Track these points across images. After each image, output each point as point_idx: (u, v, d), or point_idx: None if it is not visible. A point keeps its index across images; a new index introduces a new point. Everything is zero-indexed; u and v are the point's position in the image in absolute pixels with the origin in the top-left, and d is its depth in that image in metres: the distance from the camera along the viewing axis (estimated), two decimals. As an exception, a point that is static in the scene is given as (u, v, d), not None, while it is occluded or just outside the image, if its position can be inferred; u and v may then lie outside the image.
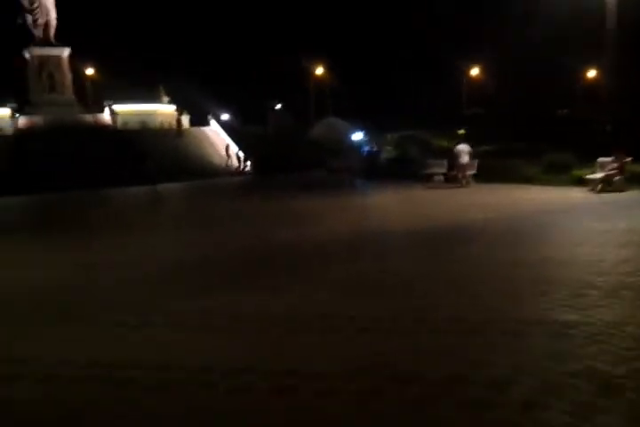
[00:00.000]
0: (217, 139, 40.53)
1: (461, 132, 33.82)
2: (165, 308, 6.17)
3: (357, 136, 33.90)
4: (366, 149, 32.14)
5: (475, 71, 56.79)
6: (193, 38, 61.79)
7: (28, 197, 27.22)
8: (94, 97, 45.38)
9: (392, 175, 23.97)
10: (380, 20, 71.86)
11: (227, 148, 37.45)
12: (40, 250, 10.72)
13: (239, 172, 36.22)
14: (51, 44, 44.35)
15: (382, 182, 22.24)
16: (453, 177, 20.27)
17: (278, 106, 48.15)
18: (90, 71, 51.20)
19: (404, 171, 23.81)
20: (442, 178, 21.23)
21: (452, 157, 20.42)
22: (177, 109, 45.36)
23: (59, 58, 44.67)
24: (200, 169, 34.24)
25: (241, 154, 36.95)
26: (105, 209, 19.67)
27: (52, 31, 44.49)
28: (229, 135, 40.23)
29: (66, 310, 6.28)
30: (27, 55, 45.07)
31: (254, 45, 73.07)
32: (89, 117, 40.45)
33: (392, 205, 15.13)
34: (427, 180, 21.16)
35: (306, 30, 63.42)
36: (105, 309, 6.28)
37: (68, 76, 45.60)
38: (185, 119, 45.95)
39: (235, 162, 37.09)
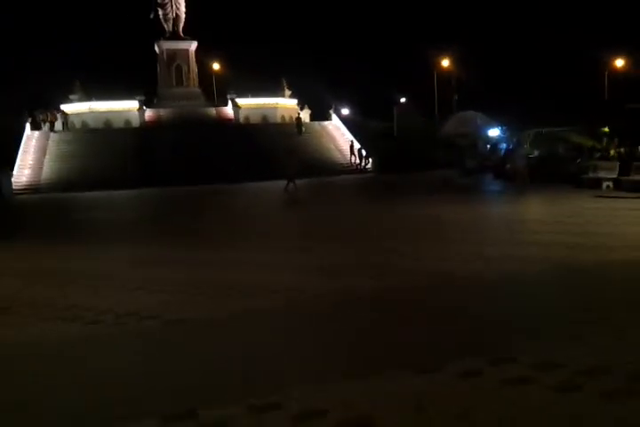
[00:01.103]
0: (338, 134, 38.74)
1: (605, 129, 29.53)
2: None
3: (494, 132, 30.54)
4: (504, 146, 28.73)
5: (619, 62, 51.05)
6: (315, 31, 60.61)
7: (157, 189, 26.93)
8: (218, 90, 45.30)
9: (538, 178, 20.60)
10: (513, 11, 66.88)
11: (351, 144, 35.50)
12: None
13: (360, 170, 34.17)
14: (179, 38, 44.86)
15: (528, 186, 18.99)
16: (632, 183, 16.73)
17: (403, 99, 45.50)
18: (215, 66, 51.52)
19: (553, 173, 20.48)
20: (611, 184, 17.75)
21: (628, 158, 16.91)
22: (298, 103, 44.21)
23: (187, 51, 45.10)
24: (320, 166, 32.63)
25: (363, 151, 34.85)
26: (244, 208, 18.37)
27: (181, 25, 44.96)
28: (350, 130, 38.30)
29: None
30: (157, 49, 45.97)
31: (376, 37, 70.70)
32: (213, 111, 40.26)
33: (561, 220, 11.90)
34: (592, 186, 17.80)
35: (429, 20, 60.19)
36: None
37: (195, 70, 45.98)
38: (306, 113, 44.74)
39: (356, 159, 35.09)
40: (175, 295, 6.19)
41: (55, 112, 37.51)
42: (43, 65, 53.68)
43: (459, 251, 8.14)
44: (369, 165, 34.43)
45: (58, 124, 36.66)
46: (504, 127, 31.37)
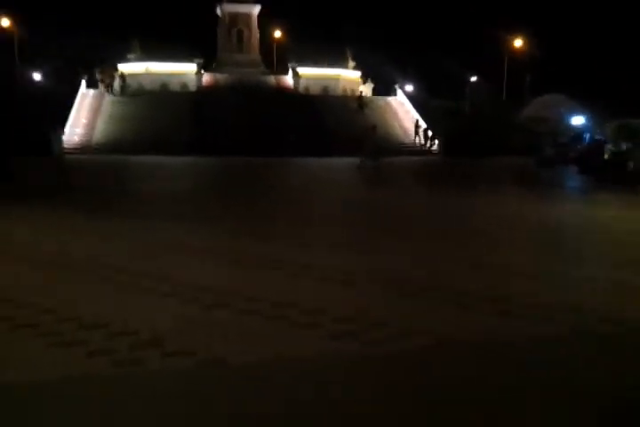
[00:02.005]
0: (402, 111, 36.41)
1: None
2: None
3: (578, 120, 27.73)
4: (589, 137, 25.99)
5: None
6: (383, 3, 57.68)
7: (211, 158, 25.45)
8: (278, 58, 43.35)
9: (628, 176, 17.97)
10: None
11: (416, 123, 33.19)
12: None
13: (424, 151, 31.92)
14: (242, 1, 42.96)
15: (619, 185, 16.37)
16: None
17: (474, 78, 42.53)
18: (277, 33, 49.39)
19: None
20: None
21: None
22: (361, 76, 41.94)
23: (249, 15, 43.25)
24: (381, 145, 30.50)
25: (429, 131, 32.52)
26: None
27: (247, -13, 43.04)
28: (415, 108, 35.91)
29: None
30: (218, 11, 44.24)
31: (447, 12, 67.22)
32: (272, 79, 38.43)
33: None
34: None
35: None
36: None
37: (256, 35, 44.14)
38: (368, 87, 42.48)
39: (421, 139, 32.82)
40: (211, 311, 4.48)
41: (113, 71, 36.28)
42: (102, 21, 52.73)
43: (590, 276, 5.75)
44: (434, 147, 32.16)
45: (115, 85, 35.43)
46: (588, 115, 28.53)
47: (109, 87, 34.53)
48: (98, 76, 35.09)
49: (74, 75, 34.08)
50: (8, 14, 42.87)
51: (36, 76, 48.17)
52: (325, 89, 38.95)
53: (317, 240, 7.43)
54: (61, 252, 6.50)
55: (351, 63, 41.61)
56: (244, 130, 29.35)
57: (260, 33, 44.82)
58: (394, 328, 3.98)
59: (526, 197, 13.35)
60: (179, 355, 3.53)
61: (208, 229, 8.25)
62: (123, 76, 35.64)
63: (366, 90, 42.14)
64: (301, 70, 37.83)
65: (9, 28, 43.06)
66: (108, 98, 33.36)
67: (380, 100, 38.22)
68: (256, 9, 43.01)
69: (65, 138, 29.13)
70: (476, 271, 5.74)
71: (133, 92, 34.51)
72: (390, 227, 8.78)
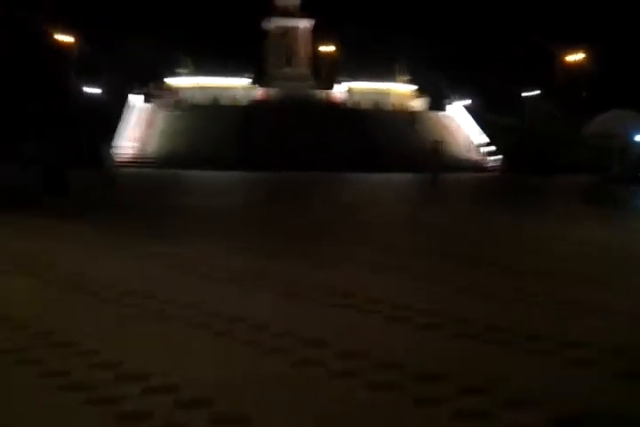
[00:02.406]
0: (455, 126, 35.21)
1: None
2: None
3: (643, 137, 25.87)
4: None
5: None
6: (435, 17, 56.68)
7: (262, 173, 24.86)
8: (328, 72, 42.81)
9: None
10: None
11: (472, 139, 31.95)
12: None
13: (482, 167, 30.59)
14: (292, 15, 42.76)
15: None
16: None
17: (530, 93, 40.89)
18: (327, 47, 48.90)
19: None
20: None
21: None
22: (413, 91, 40.97)
23: (297, 29, 42.98)
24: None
25: (487, 147, 31.17)
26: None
27: (295, 1, 42.81)
28: (470, 124, 34.68)
29: None
30: (267, 25, 44.16)
31: (500, 24, 65.56)
32: (322, 93, 37.91)
33: None
34: None
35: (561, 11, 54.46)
36: None
37: (306, 50, 43.82)
38: (420, 102, 41.45)
39: (475, 155, 31.53)
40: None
41: (165, 88, 36.34)
42: (153, 37, 53.63)
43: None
44: (493, 163, 30.78)
45: (168, 100, 35.32)
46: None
47: (164, 102, 34.46)
48: (152, 92, 35.23)
49: (128, 89, 34.37)
50: (66, 30, 43.93)
51: (91, 90, 49.20)
52: (376, 103, 38.14)
53: (384, 268, 6.44)
54: (94, 276, 5.74)
55: (402, 77, 40.68)
56: (294, 145, 28.81)
57: (310, 46, 44.49)
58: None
59: (603, 220, 12.02)
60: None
61: (256, 250, 7.41)
62: (176, 91, 35.55)
63: (419, 104, 41.08)
64: (351, 84, 37.16)
65: (68, 42, 44.10)
66: (162, 112, 33.39)
67: (434, 115, 37.14)
68: (304, 23, 42.74)
69: (118, 151, 29.21)
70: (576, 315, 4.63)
71: (186, 108, 34.39)
72: (458, 253, 7.65)
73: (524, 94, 41.07)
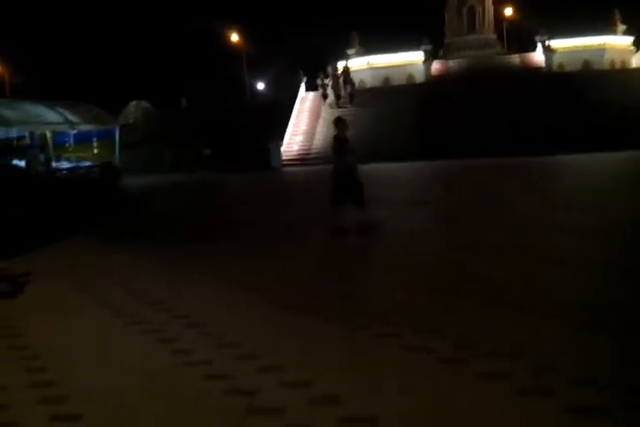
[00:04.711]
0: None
1: None
2: None
3: None
4: None
5: None
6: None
7: (446, 161, 20.35)
8: (521, 33, 36.03)
9: None
10: None
11: None
12: None
13: None
14: (474, -27, 36.71)
15: None
16: None
17: None
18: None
19: None
20: None
21: None
22: (633, 43, 32.68)
23: (482, -12, 36.83)
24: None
25: None
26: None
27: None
28: None
29: None
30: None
31: None
32: (516, 58, 31.55)
33: None
34: None
35: None
36: None
37: (491, 12, 37.54)
38: (639, 57, 33.09)
39: None
40: None
41: (340, 74, 31.46)
42: (319, 19, 50.85)
43: None
44: None
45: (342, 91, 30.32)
46: None
47: (338, 96, 29.57)
48: (323, 81, 30.76)
49: (297, 79, 31.47)
50: (235, 28, 42.97)
51: (260, 86, 48.12)
52: (586, 63, 30.81)
53: None
54: None
55: (621, 27, 32.47)
56: (486, 124, 23.49)
57: (493, 7, 38.07)
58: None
59: None
60: None
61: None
62: (350, 80, 29.37)
63: (637, 61, 32.82)
64: (554, 43, 30.11)
65: (238, 42, 43.16)
66: (327, 99, 29.65)
67: None
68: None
69: (284, 149, 26.50)
70: None
71: (366, 102, 27.94)
72: None
73: None
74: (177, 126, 29.81)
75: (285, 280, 6.12)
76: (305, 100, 30.58)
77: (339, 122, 8.56)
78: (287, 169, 24.83)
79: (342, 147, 8.39)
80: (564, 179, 15.12)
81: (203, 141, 27.54)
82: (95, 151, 27.11)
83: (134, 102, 34.76)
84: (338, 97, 28.68)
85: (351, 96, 28.69)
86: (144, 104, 35.06)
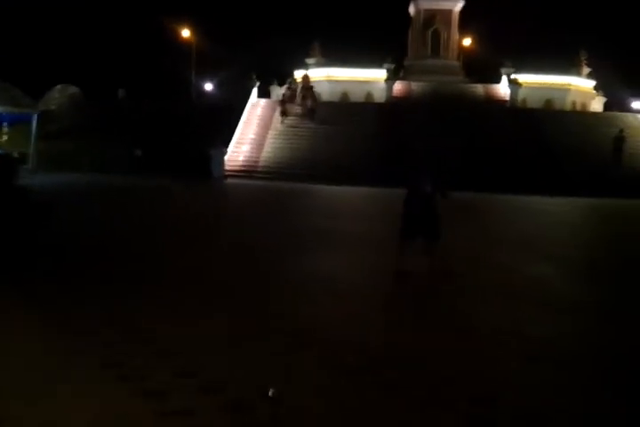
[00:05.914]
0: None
1: None
2: None
3: None
4: None
5: None
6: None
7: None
8: (488, 63, 35.20)
9: None
10: None
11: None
12: None
13: None
14: (441, -4, 35.61)
15: None
16: None
17: None
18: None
19: None
20: None
21: None
22: (594, 88, 32.38)
23: (449, 13, 35.75)
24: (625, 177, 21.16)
25: None
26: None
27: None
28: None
29: None
30: (411, 9, 37.39)
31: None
32: (479, 88, 30.43)
33: None
34: None
35: None
36: None
37: (456, 37, 36.57)
38: (599, 102, 33.00)
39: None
40: None
41: (301, 83, 29.30)
42: (280, 24, 48.62)
43: None
44: None
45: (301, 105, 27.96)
46: None
47: (296, 109, 27.01)
48: (286, 92, 28.13)
49: (246, 84, 28.91)
50: (187, 24, 40.00)
51: (209, 87, 45.18)
52: (549, 102, 30.10)
53: None
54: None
55: (585, 69, 31.99)
56: (447, 155, 21.88)
57: (458, 33, 37.17)
58: None
59: None
60: None
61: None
62: (312, 93, 26.97)
63: (597, 105, 32.67)
64: (520, 78, 29.04)
65: (188, 38, 40.19)
66: (291, 122, 26.85)
67: (618, 117, 28.19)
68: (458, 5, 35.51)
69: (227, 157, 23.93)
70: None
71: (328, 119, 25.61)
72: None
73: None
74: (109, 120, 26.62)
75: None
76: (256, 107, 28.16)
77: None
78: (230, 181, 22.28)
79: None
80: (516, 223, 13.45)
81: (135, 140, 24.57)
82: (4, 138, 23.49)
83: (60, 86, 30.23)
84: (283, 113, 26.42)
85: (311, 111, 26.45)
86: (72, 89, 30.67)
